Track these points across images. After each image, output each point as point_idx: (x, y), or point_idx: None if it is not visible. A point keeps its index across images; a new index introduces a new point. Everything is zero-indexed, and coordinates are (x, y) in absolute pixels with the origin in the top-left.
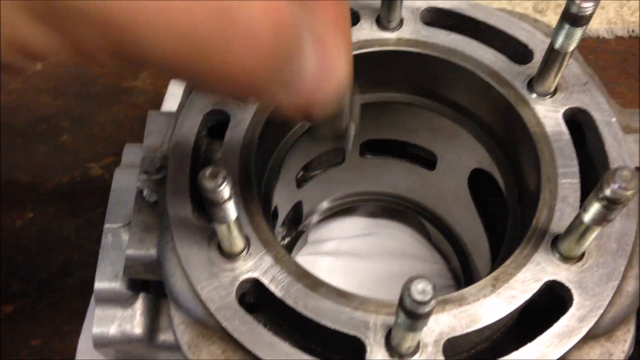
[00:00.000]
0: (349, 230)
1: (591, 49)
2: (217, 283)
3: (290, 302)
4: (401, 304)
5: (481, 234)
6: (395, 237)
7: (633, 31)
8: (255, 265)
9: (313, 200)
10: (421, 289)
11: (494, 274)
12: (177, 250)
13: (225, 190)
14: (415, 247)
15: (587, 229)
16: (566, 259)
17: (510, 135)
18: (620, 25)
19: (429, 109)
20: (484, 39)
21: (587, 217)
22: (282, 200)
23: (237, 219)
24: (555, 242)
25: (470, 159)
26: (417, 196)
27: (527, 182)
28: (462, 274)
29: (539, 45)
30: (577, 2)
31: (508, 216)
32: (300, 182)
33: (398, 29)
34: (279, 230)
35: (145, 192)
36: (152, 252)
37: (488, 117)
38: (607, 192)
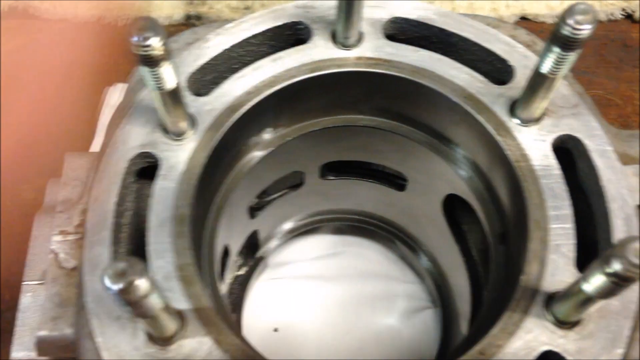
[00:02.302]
0: (313, 251)
1: None
2: None
3: None
4: None
5: (458, 258)
6: (364, 256)
7: (612, 14)
8: (192, 352)
9: (271, 225)
10: None
11: (479, 347)
12: (94, 336)
13: (139, 285)
14: (386, 266)
15: (589, 299)
16: (562, 323)
17: (490, 167)
18: (599, 9)
19: (395, 132)
20: (458, 54)
21: (589, 288)
22: (235, 235)
23: (166, 305)
24: (549, 303)
25: (444, 185)
26: (385, 214)
27: (511, 221)
28: (438, 294)
29: (520, 61)
30: (571, 22)
31: (489, 251)
32: (254, 211)
33: (357, 45)
34: (235, 259)
35: (61, 256)
36: (68, 332)
37: (464, 143)
38: (618, 267)
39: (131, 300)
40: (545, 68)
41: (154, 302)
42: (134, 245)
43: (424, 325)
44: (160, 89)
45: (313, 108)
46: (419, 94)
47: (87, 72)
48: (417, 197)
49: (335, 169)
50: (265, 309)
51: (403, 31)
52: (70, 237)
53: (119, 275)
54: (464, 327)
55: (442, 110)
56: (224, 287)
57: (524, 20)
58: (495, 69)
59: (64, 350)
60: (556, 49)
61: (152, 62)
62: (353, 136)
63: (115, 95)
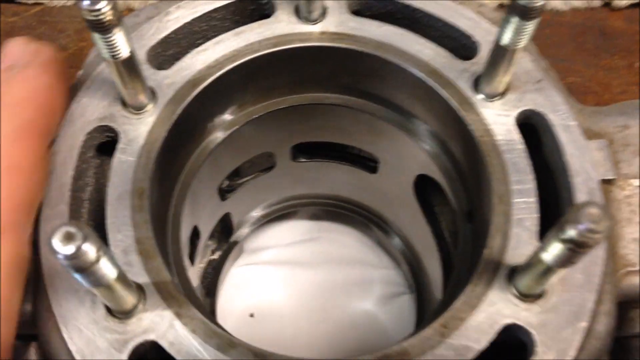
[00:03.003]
0: (289, 236)
1: (545, 22)
2: (104, 350)
3: None
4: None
5: (430, 241)
6: (340, 241)
7: (590, 2)
8: (152, 325)
9: (244, 209)
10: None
11: (441, 319)
12: (53, 310)
13: (88, 253)
14: (362, 251)
15: (549, 269)
16: (525, 296)
17: (455, 143)
18: None
19: (363, 111)
20: (422, 29)
21: (548, 257)
22: (204, 217)
23: (121, 275)
24: (512, 276)
25: (413, 164)
26: (360, 198)
27: (477, 198)
28: (413, 279)
29: (484, 37)
30: None
31: (457, 231)
32: (224, 193)
33: (321, 20)
34: (208, 243)
35: None
36: (27, 307)
37: (430, 120)
38: (573, 234)
39: (81, 267)
40: (506, 39)
41: (106, 270)
42: (95, 221)
43: (400, 310)
44: (114, 57)
45: (278, 85)
46: (383, 69)
47: (64, 56)
48: (388, 179)
49: (306, 151)
50: (240, 294)
51: (368, 7)
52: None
53: (67, 239)
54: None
55: (407, 87)
56: (197, 270)
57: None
58: (460, 45)
59: (24, 326)
60: (514, 19)
61: (102, 28)
62: (321, 115)
63: None
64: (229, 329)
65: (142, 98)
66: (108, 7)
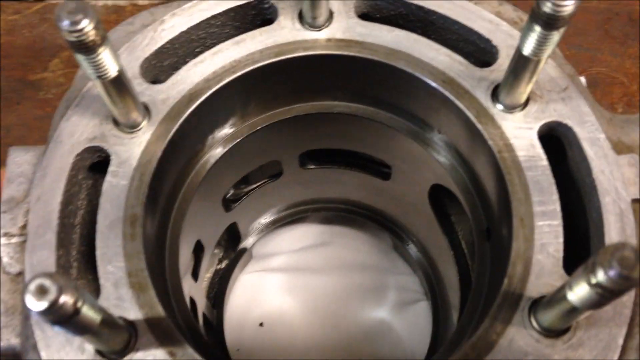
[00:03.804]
0: (300, 242)
1: None
2: None
3: None
4: None
5: (446, 249)
6: (352, 246)
7: None
8: None
9: (252, 216)
10: None
11: (457, 357)
12: (39, 350)
13: (65, 305)
14: (376, 256)
15: (574, 309)
16: (548, 331)
17: (473, 156)
18: None
19: (373, 119)
20: (438, 33)
21: (574, 298)
22: (208, 230)
23: (106, 319)
24: (534, 309)
25: (428, 174)
26: (373, 202)
27: (496, 216)
28: (429, 285)
29: (504, 41)
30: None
31: (474, 243)
32: (230, 204)
33: (327, 25)
34: (214, 252)
35: (4, 261)
36: (14, 342)
37: (446, 131)
38: (603, 279)
39: (59, 320)
40: (528, 50)
41: (88, 318)
42: (87, 247)
43: (416, 318)
44: (101, 77)
45: (282, 95)
46: (395, 78)
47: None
48: (403, 186)
49: (315, 158)
50: (249, 303)
51: (378, 9)
52: (15, 240)
53: (40, 293)
54: (455, 318)
55: (421, 96)
56: (202, 285)
57: None
58: (478, 50)
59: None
60: (537, 28)
61: (86, 48)
62: (330, 124)
63: None
64: (237, 340)
65: (135, 116)
66: (91, 27)
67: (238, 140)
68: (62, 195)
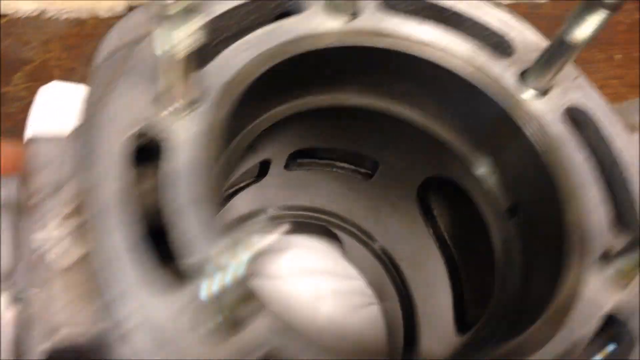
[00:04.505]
0: None
1: (523, 16)
2: None
3: None
4: None
5: (427, 245)
6: (308, 252)
7: None
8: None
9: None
10: None
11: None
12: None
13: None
14: (326, 263)
15: None
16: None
17: (500, 141)
18: None
19: (389, 114)
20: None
21: None
22: None
23: None
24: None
25: (427, 166)
26: (339, 209)
27: (526, 192)
28: (395, 288)
29: (519, 34)
30: None
31: (489, 233)
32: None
33: (355, 17)
34: None
35: (50, 256)
36: (81, 340)
37: (471, 120)
38: None
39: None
40: (581, 34)
41: None
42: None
43: (369, 321)
44: (182, 50)
45: (308, 84)
46: (424, 69)
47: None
48: (386, 184)
49: (300, 157)
50: None
51: (392, 5)
52: (58, 232)
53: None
54: (422, 318)
55: (447, 86)
56: None
57: None
58: (491, 44)
59: None
60: (600, 9)
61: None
62: (341, 117)
63: (46, 94)
64: None
65: (187, 97)
66: None
67: (257, 134)
68: (119, 179)
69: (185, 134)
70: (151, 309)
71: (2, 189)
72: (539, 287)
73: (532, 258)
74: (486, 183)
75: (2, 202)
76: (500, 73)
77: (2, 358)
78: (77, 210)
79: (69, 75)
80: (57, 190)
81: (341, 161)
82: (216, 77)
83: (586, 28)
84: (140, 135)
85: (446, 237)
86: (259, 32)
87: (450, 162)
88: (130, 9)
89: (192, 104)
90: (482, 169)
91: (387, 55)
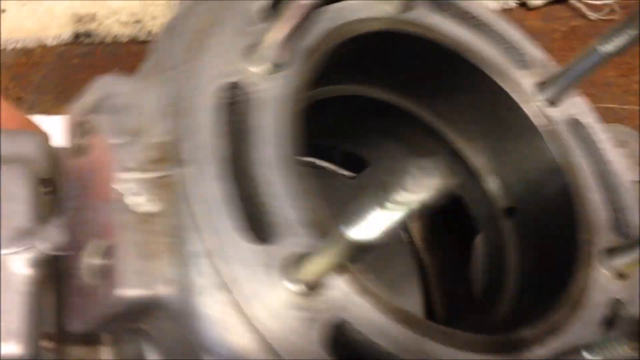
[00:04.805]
0: None
1: None
2: None
3: None
4: None
5: (399, 249)
6: None
7: (507, 3)
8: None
9: None
10: None
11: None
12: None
13: None
14: None
15: None
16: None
17: (510, 144)
18: None
19: (392, 104)
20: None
21: None
22: None
23: None
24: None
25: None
26: None
27: (524, 193)
28: None
29: (535, 48)
30: None
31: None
32: None
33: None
34: None
35: (133, 199)
36: (163, 290)
37: (478, 121)
38: None
39: None
40: (614, 48)
41: None
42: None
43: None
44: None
45: (346, 71)
46: (460, 69)
47: None
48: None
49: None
50: None
51: None
52: (143, 175)
53: None
54: None
55: (477, 87)
56: None
57: None
58: (511, 55)
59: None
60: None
61: None
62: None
63: None
64: None
65: (281, 56)
66: None
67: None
68: (213, 127)
69: (273, 93)
70: (250, 258)
71: (25, 144)
72: (538, 287)
73: (531, 257)
74: (485, 185)
75: (23, 158)
76: (520, 80)
77: (20, 318)
78: (164, 157)
79: (16, 105)
80: (139, 134)
81: (325, 159)
82: (301, 41)
83: (618, 42)
84: (232, 86)
85: (417, 240)
86: (334, 6)
87: (456, 167)
88: (77, 36)
89: (280, 66)
90: (487, 171)
91: (433, 47)
